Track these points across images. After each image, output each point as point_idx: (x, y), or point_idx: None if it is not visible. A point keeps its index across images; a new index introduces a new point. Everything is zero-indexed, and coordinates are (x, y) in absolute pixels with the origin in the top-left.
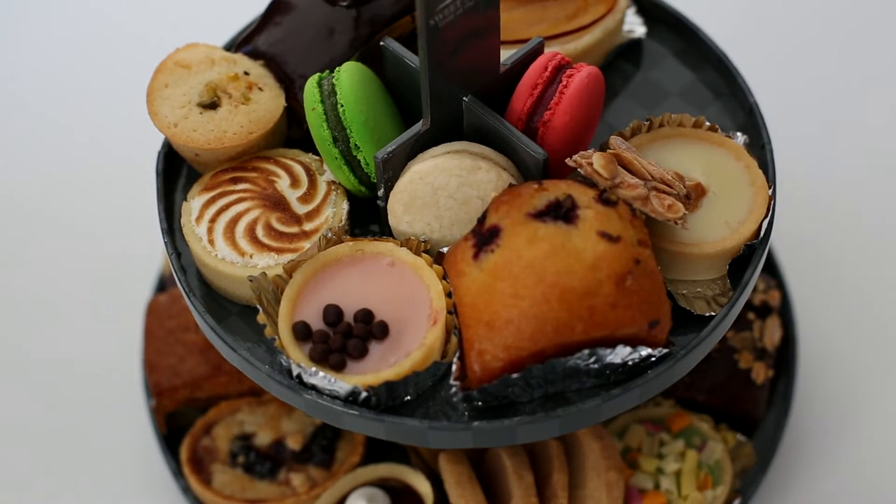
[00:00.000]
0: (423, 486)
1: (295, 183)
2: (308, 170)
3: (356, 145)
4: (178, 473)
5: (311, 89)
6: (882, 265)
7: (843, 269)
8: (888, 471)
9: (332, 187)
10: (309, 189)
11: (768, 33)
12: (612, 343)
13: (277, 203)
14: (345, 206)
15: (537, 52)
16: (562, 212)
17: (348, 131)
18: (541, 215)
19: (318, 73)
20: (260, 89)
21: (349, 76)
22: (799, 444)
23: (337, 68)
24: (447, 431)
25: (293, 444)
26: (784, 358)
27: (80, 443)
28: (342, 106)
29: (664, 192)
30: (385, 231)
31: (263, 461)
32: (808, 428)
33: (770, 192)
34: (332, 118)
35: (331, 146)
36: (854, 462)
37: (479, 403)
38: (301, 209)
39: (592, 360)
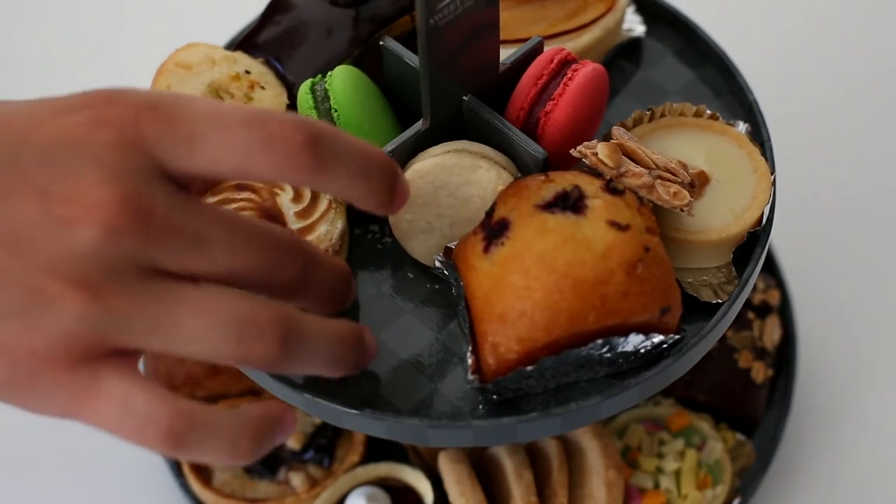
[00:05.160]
0: (422, 485)
1: (297, 198)
2: None
3: None
4: (178, 472)
5: (304, 95)
6: (882, 265)
7: (843, 269)
8: (888, 470)
9: (334, 205)
10: (309, 205)
11: (768, 32)
12: (624, 331)
13: (272, 217)
14: (339, 224)
15: (537, 51)
16: (570, 202)
17: None
18: (549, 206)
19: (310, 79)
20: (262, 88)
21: (341, 80)
22: (799, 443)
23: (329, 73)
24: (447, 430)
25: (293, 443)
26: (784, 357)
27: (80, 442)
28: (336, 111)
29: (669, 180)
30: (385, 231)
31: (263, 460)
32: (808, 428)
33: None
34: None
35: None
36: (854, 462)
37: (495, 397)
38: (295, 224)
39: (606, 349)
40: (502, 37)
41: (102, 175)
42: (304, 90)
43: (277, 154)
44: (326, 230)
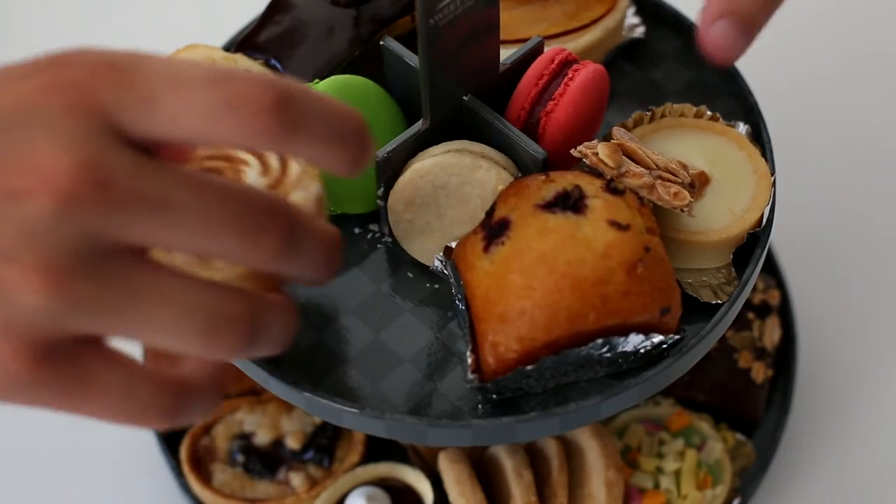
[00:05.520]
0: (422, 485)
1: (265, 171)
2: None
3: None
4: (177, 472)
5: None
6: (882, 265)
7: (843, 269)
8: (888, 470)
9: (307, 170)
10: (279, 176)
11: (769, 33)
12: (624, 331)
13: None
14: (314, 189)
15: (537, 51)
16: (570, 202)
17: None
18: (549, 206)
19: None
20: None
21: (326, 91)
22: (799, 443)
23: (318, 81)
24: (447, 429)
25: (293, 443)
26: (784, 357)
27: (80, 442)
28: None
29: (669, 180)
30: (384, 230)
31: (263, 460)
32: (808, 428)
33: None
34: None
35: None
36: (854, 462)
37: (495, 396)
38: None
39: (605, 349)
40: (502, 37)
41: (56, 142)
42: None
43: (243, 116)
44: (302, 197)
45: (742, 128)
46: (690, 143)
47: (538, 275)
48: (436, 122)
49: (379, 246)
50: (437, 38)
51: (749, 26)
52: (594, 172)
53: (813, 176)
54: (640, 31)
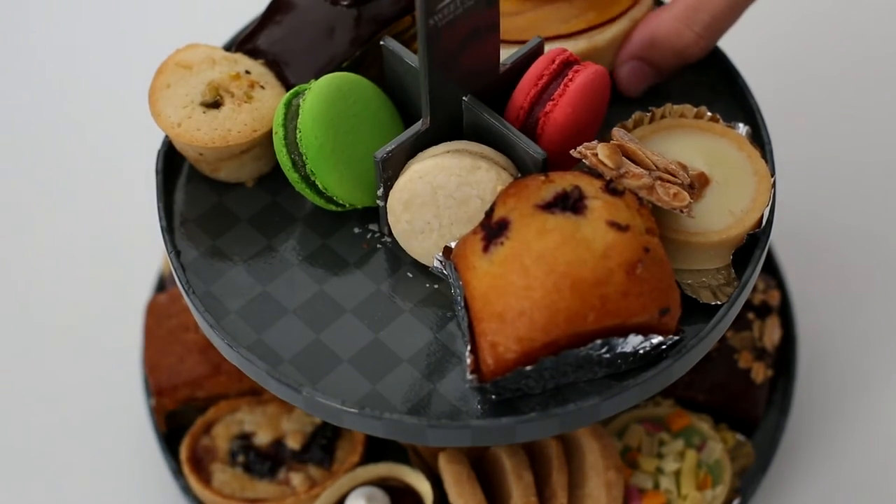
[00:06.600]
0: (422, 485)
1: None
2: None
3: (312, 171)
4: (177, 473)
5: (279, 108)
6: (882, 265)
7: (843, 269)
8: (888, 470)
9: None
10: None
11: (770, 34)
12: (623, 332)
13: None
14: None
15: (536, 52)
16: (570, 202)
17: (304, 157)
18: (549, 206)
19: (295, 88)
20: (262, 87)
21: (312, 101)
22: (799, 444)
23: (311, 85)
24: (446, 429)
25: (293, 443)
26: (784, 358)
27: (80, 442)
28: (300, 131)
29: (669, 181)
30: (384, 230)
31: (263, 460)
32: (808, 428)
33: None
34: (291, 143)
35: (291, 171)
36: (854, 462)
37: (494, 397)
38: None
39: (605, 349)
40: (535, 35)
41: None
42: (282, 101)
43: None
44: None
45: (742, 129)
46: (690, 143)
47: (537, 275)
48: (436, 122)
49: (379, 246)
50: (437, 38)
51: (653, 71)
52: (594, 173)
53: (813, 176)
54: None
